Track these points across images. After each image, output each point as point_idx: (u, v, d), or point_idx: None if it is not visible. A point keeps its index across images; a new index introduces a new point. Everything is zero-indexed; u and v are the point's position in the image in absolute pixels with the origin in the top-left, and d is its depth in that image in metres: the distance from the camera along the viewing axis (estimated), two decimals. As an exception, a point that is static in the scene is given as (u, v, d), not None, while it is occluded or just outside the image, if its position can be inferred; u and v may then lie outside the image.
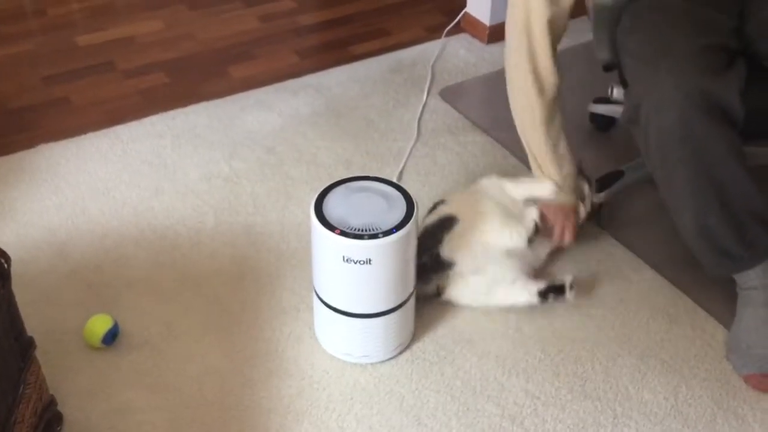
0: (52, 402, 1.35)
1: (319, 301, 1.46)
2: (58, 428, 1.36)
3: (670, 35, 1.43)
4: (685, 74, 1.35)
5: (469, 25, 2.45)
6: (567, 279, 1.58)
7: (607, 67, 1.70)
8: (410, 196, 1.41)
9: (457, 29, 2.47)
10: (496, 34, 2.38)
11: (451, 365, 1.51)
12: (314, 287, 1.47)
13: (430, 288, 1.58)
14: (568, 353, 1.53)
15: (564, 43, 2.39)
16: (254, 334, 1.55)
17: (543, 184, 1.66)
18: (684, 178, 1.41)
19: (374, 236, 1.33)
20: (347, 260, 1.35)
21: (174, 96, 2.18)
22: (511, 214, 1.62)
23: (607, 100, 1.96)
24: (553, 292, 1.57)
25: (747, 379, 1.48)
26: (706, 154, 1.37)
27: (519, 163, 1.94)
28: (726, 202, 1.40)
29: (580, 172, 1.73)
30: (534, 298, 1.57)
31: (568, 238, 1.67)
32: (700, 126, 1.35)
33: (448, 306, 1.61)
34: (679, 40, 1.41)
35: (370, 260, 1.34)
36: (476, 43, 2.41)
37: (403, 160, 1.97)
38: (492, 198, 1.65)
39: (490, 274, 1.57)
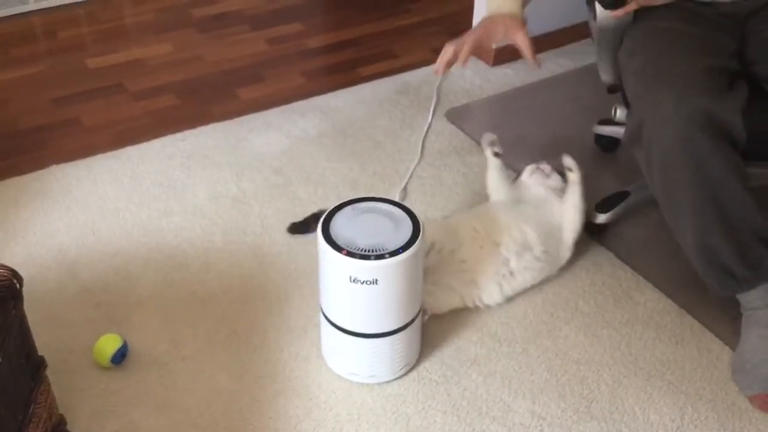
0: (61, 421, 1.36)
1: (326, 321, 1.47)
2: (67, 447, 1.37)
3: (671, 57, 1.45)
4: (686, 95, 1.37)
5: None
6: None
7: (611, 89, 1.72)
8: (416, 216, 1.42)
9: (463, 51, 2.49)
10: (501, 56, 2.40)
11: (457, 385, 1.51)
12: (321, 307, 1.48)
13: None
14: (574, 374, 1.54)
15: (568, 65, 2.44)
16: (262, 353, 1.56)
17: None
18: (686, 199, 1.42)
19: (380, 257, 1.34)
20: (354, 280, 1.36)
21: (183, 118, 2.21)
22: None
23: (611, 122, 1.98)
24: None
25: (752, 400, 1.48)
26: (708, 174, 1.39)
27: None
28: (728, 222, 1.41)
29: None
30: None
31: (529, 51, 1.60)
32: (701, 147, 1.37)
33: (454, 326, 1.62)
34: (680, 62, 1.43)
35: (376, 280, 1.35)
36: (482, 65, 2.43)
37: (406, 180, 1.99)
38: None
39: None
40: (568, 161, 1.73)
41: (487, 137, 1.77)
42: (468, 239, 1.62)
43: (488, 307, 1.65)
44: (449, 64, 1.60)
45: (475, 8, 2.47)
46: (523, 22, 1.60)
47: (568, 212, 1.68)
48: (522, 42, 1.59)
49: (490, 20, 1.62)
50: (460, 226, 1.65)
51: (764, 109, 1.50)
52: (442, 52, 1.60)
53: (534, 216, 1.67)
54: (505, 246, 1.62)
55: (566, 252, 1.71)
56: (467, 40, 1.59)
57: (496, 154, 1.76)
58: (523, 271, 1.64)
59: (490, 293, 1.63)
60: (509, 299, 1.67)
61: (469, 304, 1.64)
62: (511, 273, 1.63)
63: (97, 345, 1.51)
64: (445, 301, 1.62)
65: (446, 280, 1.61)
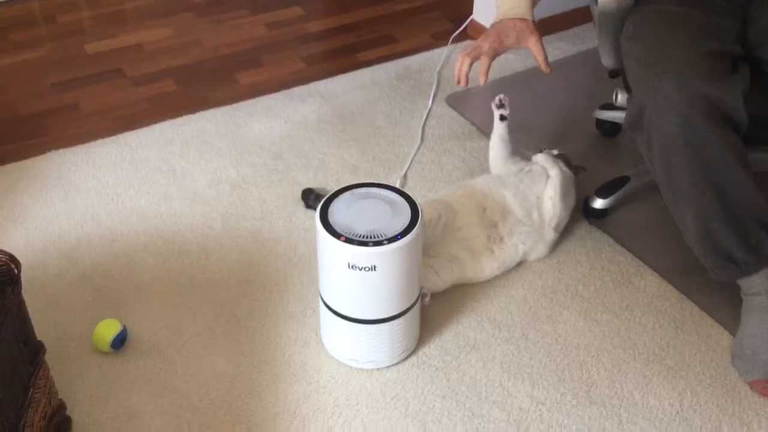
0: (61, 406, 1.36)
1: (325, 307, 1.47)
2: (67, 432, 1.37)
3: (672, 41, 1.44)
4: (688, 79, 1.36)
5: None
6: None
7: (613, 74, 1.71)
8: (415, 202, 1.42)
9: (464, 36, 2.48)
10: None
11: (456, 370, 1.51)
12: (320, 293, 1.48)
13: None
14: (574, 359, 1.54)
15: (570, 50, 2.42)
16: (261, 339, 1.56)
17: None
18: (687, 183, 1.41)
19: (379, 243, 1.34)
20: (352, 267, 1.35)
21: (182, 103, 2.20)
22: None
23: (612, 106, 1.97)
24: None
25: (752, 385, 1.49)
26: (709, 158, 1.38)
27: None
28: (729, 206, 1.41)
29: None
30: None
31: (540, 53, 1.60)
32: (702, 131, 1.36)
33: (453, 311, 1.62)
34: (681, 46, 1.42)
35: (375, 267, 1.35)
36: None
37: (406, 166, 1.98)
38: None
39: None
40: (541, 159, 1.73)
41: (497, 97, 1.76)
42: (460, 209, 1.65)
43: (486, 280, 1.68)
44: (468, 75, 1.58)
45: (476, -8, 2.46)
46: (535, 26, 1.59)
47: (546, 203, 1.70)
48: (535, 47, 1.59)
49: (501, 26, 1.60)
50: (450, 198, 1.67)
51: (766, 94, 1.49)
52: (460, 63, 1.58)
53: (514, 184, 1.70)
54: (490, 209, 1.66)
55: (549, 233, 1.72)
56: (484, 51, 1.57)
57: (502, 117, 1.75)
58: (510, 235, 1.66)
59: (483, 264, 1.65)
60: (506, 271, 1.69)
61: (470, 274, 1.65)
62: (501, 238, 1.66)
63: (96, 330, 1.51)
64: (449, 273, 1.63)
65: (448, 250, 1.62)
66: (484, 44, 1.58)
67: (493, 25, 1.62)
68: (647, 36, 1.50)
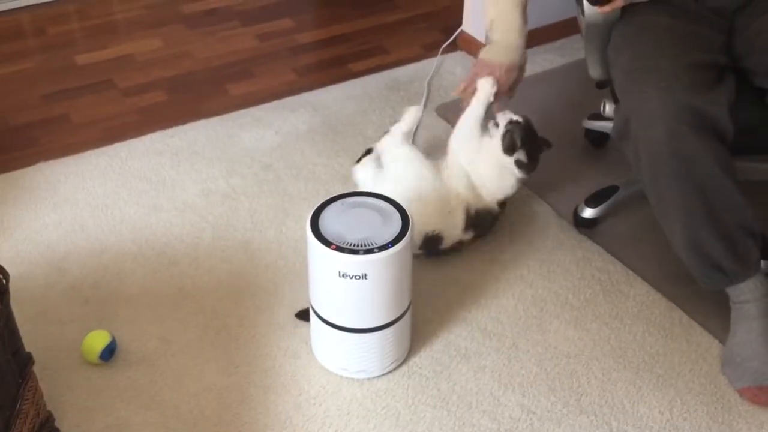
0: (49, 418, 1.35)
1: (316, 317, 1.47)
2: (56, 444, 1.36)
3: (658, 52, 1.45)
4: (673, 90, 1.37)
5: (465, 43, 2.48)
6: None
7: (600, 84, 1.72)
8: (405, 211, 1.42)
9: (453, 47, 2.49)
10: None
11: (447, 380, 1.51)
12: (311, 302, 1.48)
13: None
14: (564, 368, 1.54)
15: (558, 61, 2.44)
16: (251, 349, 1.56)
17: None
18: (674, 193, 1.42)
19: (369, 251, 1.34)
20: (343, 275, 1.36)
21: (173, 114, 2.20)
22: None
23: (601, 117, 1.98)
24: None
25: (742, 393, 1.49)
26: (696, 168, 1.39)
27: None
28: (716, 216, 1.42)
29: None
30: None
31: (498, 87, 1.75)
32: (688, 141, 1.37)
33: (444, 321, 1.62)
34: (667, 56, 1.43)
35: (365, 275, 1.35)
36: (472, 60, 2.43)
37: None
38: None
39: None
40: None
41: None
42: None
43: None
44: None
45: (465, 4, 2.47)
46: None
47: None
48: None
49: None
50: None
51: (752, 104, 1.51)
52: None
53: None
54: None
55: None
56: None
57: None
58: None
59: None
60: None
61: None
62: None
63: (85, 341, 1.50)
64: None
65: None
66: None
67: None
68: (633, 47, 1.51)
